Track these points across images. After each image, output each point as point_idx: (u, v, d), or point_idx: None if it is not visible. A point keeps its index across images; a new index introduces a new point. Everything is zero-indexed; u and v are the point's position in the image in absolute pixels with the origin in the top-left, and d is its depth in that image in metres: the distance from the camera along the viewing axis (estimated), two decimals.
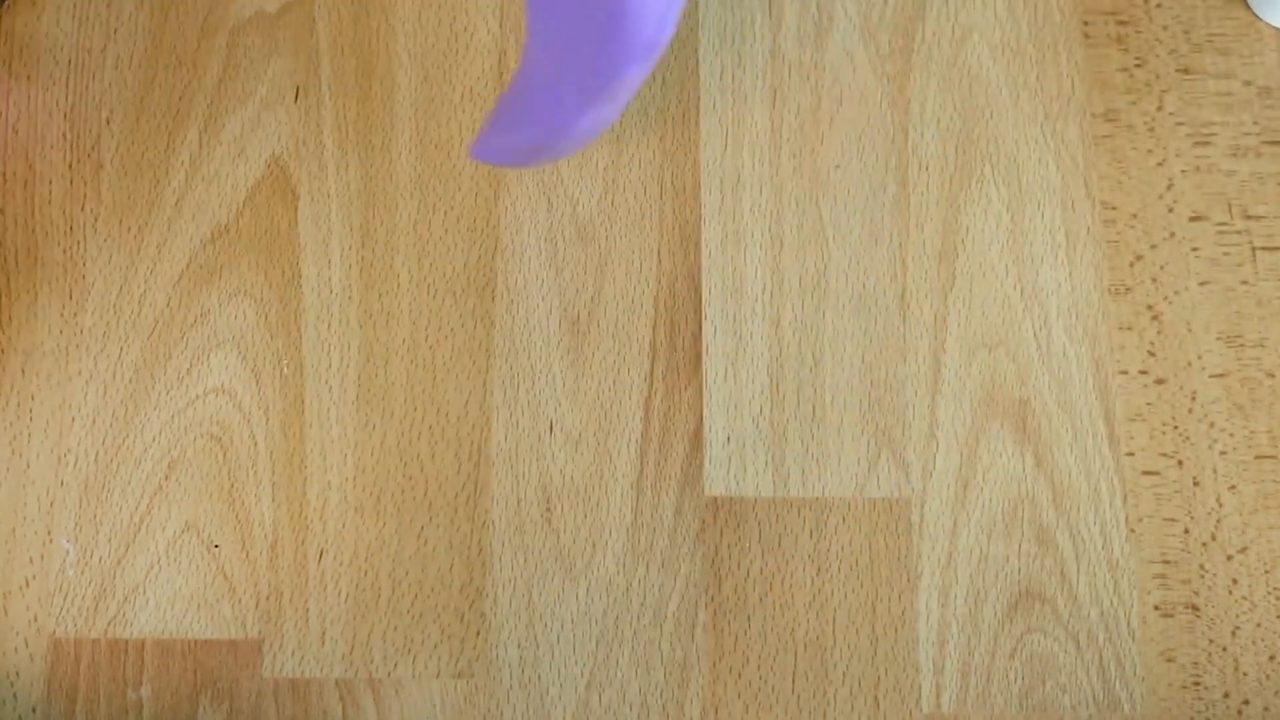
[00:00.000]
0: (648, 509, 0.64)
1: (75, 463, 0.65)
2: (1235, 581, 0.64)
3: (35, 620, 0.63)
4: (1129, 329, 0.67)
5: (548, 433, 0.65)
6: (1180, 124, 0.69)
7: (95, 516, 0.65)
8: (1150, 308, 0.67)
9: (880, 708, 0.62)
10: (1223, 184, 0.69)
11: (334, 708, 0.62)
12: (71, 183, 0.69)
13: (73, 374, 0.66)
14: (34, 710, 0.62)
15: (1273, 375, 0.66)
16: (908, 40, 0.71)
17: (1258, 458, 0.65)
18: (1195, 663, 0.63)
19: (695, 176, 0.69)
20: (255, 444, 0.65)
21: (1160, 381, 0.66)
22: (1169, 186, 0.69)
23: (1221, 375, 0.66)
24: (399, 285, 0.67)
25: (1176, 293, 0.67)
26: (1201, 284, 0.68)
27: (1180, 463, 0.65)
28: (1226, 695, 0.63)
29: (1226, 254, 0.68)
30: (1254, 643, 0.63)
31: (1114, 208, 0.69)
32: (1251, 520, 0.65)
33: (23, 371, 0.66)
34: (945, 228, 0.68)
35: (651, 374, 0.66)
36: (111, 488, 0.65)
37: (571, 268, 0.67)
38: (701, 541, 0.64)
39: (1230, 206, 0.68)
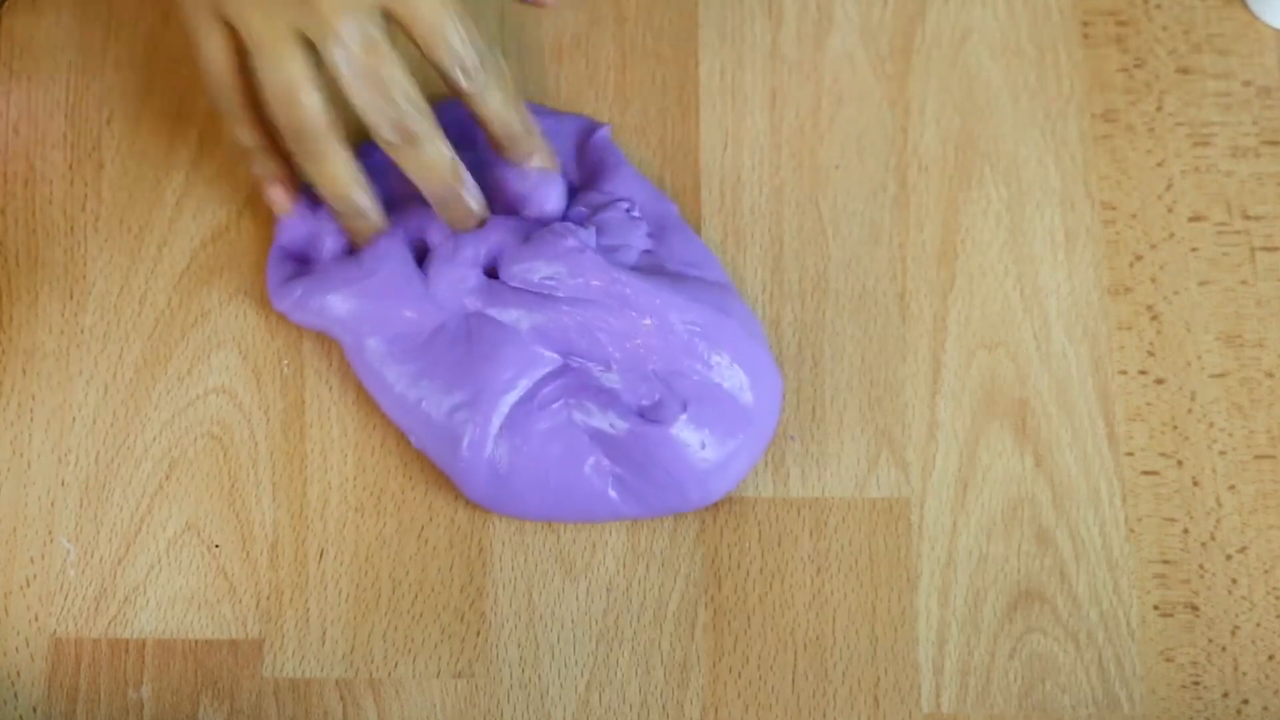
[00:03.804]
0: None
1: (76, 462, 0.65)
2: (1235, 581, 0.64)
3: (36, 620, 0.63)
4: (1128, 329, 0.67)
5: None
6: (1180, 124, 0.70)
7: (96, 516, 0.65)
8: (1150, 308, 0.67)
9: (880, 707, 0.62)
10: (1222, 184, 0.69)
11: (334, 707, 0.62)
12: (72, 183, 0.69)
13: (73, 374, 0.66)
14: (34, 710, 0.62)
15: (1272, 375, 0.66)
16: (908, 40, 0.71)
17: (1257, 458, 0.65)
18: (1195, 662, 0.63)
19: (695, 176, 0.69)
20: (255, 444, 0.65)
21: (1160, 381, 0.66)
22: (1168, 187, 0.69)
23: (1221, 375, 0.66)
24: None
25: (1176, 293, 0.67)
26: (1201, 284, 0.68)
27: (1180, 463, 0.65)
28: (1226, 695, 0.63)
29: (1226, 254, 0.68)
30: (1253, 642, 0.63)
31: (1113, 208, 0.69)
32: (1251, 520, 0.65)
33: (23, 372, 0.66)
34: (945, 228, 0.68)
35: None
36: (112, 487, 0.65)
37: None
38: (701, 541, 0.64)
39: (1230, 207, 0.68)
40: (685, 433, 0.62)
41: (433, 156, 0.63)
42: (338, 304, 0.64)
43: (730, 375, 0.63)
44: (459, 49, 0.62)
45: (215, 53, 0.63)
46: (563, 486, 0.63)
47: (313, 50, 0.61)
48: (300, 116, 0.62)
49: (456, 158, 0.63)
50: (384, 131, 0.62)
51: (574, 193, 0.66)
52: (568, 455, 0.63)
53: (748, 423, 0.63)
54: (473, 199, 0.64)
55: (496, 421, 0.62)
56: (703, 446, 0.62)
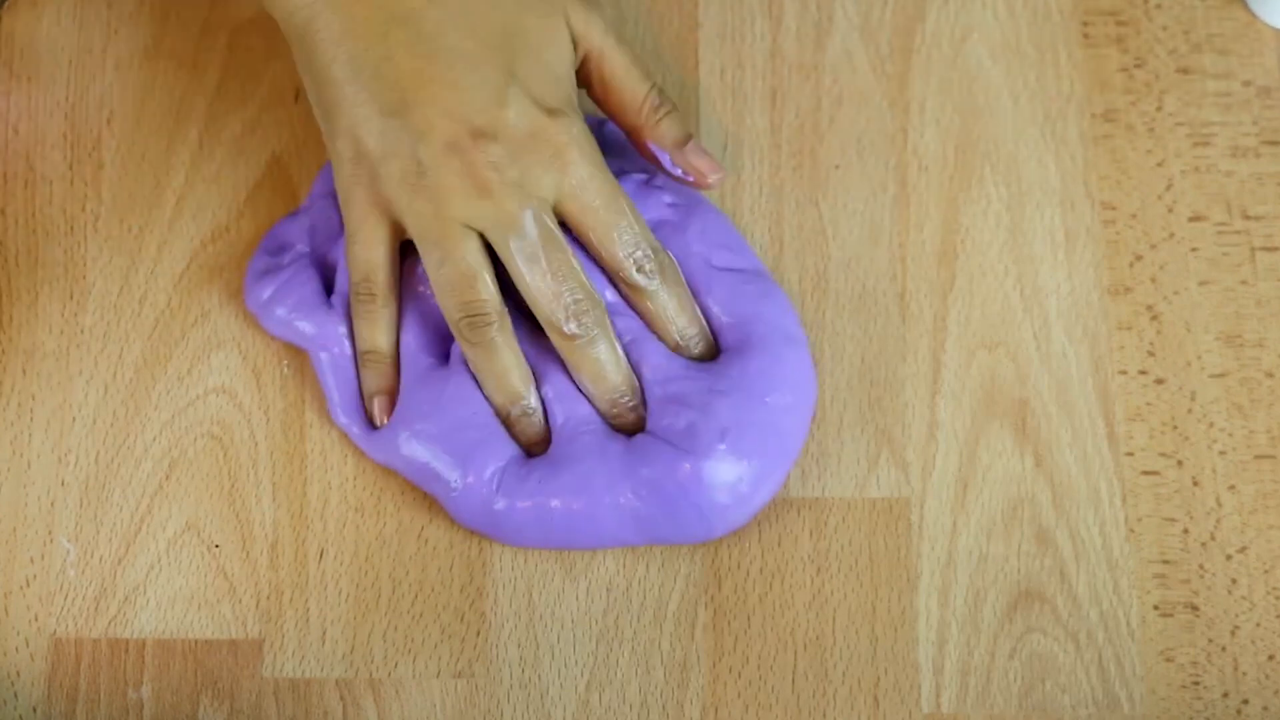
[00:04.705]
0: None
1: (76, 462, 0.65)
2: (1235, 581, 0.64)
3: (36, 620, 0.63)
4: (1128, 329, 0.67)
5: None
6: (1180, 124, 0.70)
7: (96, 516, 0.65)
8: (1150, 308, 0.67)
9: (880, 707, 0.62)
10: (1222, 184, 0.69)
11: (334, 707, 0.62)
12: (72, 183, 0.69)
13: (73, 374, 0.66)
14: (34, 710, 0.62)
15: (1272, 375, 0.66)
16: (908, 40, 0.71)
17: (1257, 458, 0.65)
18: (1195, 662, 0.63)
19: None
20: (255, 444, 0.65)
21: (1160, 381, 0.66)
22: (1168, 187, 0.69)
23: (1221, 375, 0.66)
24: None
25: (1176, 293, 0.67)
26: (1201, 284, 0.68)
27: (1180, 463, 0.65)
28: (1226, 695, 0.63)
29: (1226, 254, 0.68)
30: (1253, 642, 0.63)
31: (1114, 208, 0.69)
32: (1251, 520, 0.65)
33: (23, 372, 0.66)
34: (945, 228, 0.68)
35: None
36: (112, 487, 0.65)
37: None
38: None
39: (1230, 207, 0.68)
40: (723, 467, 0.61)
41: (605, 355, 0.61)
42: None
43: (771, 390, 0.62)
44: (634, 246, 0.62)
45: (375, 243, 0.62)
46: (571, 526, 0.62)
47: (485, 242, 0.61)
48: (480, 303, 0.61)
49: (630, 365, 0.62)
50: (560, 321, 0.60)
51: None
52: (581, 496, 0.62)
53: (783, 454, 0.62)
54: (638, 410, 0.62)
55: (489, 472, 0.62)
56: (739, 481, 0.61)
